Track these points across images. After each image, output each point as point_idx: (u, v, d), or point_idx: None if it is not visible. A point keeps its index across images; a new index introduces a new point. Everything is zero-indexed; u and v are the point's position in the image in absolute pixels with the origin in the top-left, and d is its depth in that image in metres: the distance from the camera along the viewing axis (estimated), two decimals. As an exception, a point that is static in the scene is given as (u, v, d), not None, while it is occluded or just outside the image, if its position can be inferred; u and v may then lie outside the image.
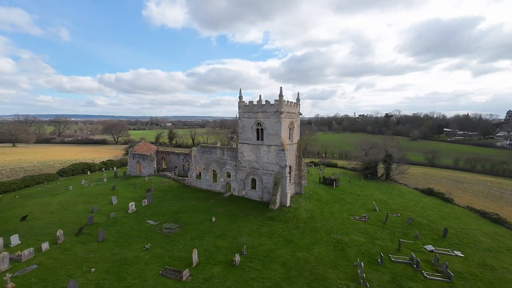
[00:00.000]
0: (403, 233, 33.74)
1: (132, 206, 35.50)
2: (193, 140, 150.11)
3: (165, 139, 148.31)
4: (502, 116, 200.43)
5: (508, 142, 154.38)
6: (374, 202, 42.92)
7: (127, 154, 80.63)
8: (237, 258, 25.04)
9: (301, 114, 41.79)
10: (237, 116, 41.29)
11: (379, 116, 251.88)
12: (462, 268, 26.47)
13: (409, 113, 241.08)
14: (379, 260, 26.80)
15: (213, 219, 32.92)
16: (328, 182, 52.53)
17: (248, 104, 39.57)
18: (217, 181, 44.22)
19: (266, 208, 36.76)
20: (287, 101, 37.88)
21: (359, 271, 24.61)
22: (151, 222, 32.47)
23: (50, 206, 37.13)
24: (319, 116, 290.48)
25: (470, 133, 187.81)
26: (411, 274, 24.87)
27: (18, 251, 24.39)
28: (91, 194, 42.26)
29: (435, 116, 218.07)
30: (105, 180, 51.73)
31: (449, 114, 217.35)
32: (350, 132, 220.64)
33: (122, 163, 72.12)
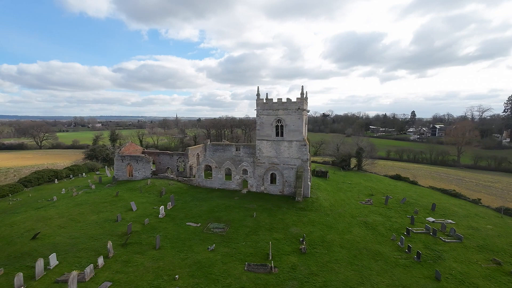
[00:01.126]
0: (404, 210, 40.42)
1: (162, 210, 32.98)
2: (140, 141, 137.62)
3: (105, 141, 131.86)
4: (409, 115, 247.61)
5: (417, 136, 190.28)
6: (370, 188, 49.51)
7: (88, 158, 70.91)
8: (304, 246, 26.73)
9: (308, 111, 45.05)
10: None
11: (316, 115, 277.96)
12: (459, 231, 33.86)
13: (340, 113, 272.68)
14: (405, 233, 32.11)
15: (254, 214, 33.42)
16: (320, 174, 57.51)
17: (267, 101, 40.80)
18: (231, 179, 43.94)
19: (291, 200, 38.86)
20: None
21: (399, 243, 29.27)
22: (192, 224, 31.00)
23: (51, 220, 31.31)
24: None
25: (390, 130, 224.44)
26: (433, 240, 30.68)
27: (77, 270, 20.82)
28: (94, 202, 36.98)
29: (361, 115, 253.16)
30: (93, 187, 45.24)
31: (371, 114, 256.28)
32: None
33: (89, 168, 63.18)
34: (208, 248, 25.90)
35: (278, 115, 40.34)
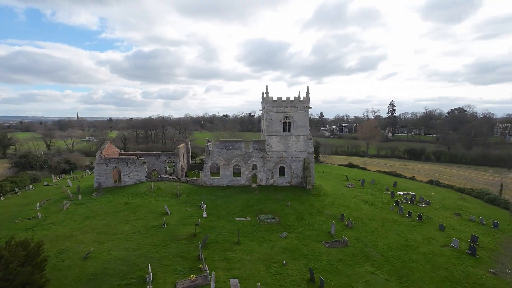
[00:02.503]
0: (378, 189, 50.80)
1: (204, 210, 31.71)
2: (48, 146, 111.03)
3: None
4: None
5: (329, 133, 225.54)
6: (346, 175, 58.92)
7: (18, 167, 56.19)
8: (348, 223, 31.80)
9: (311, 107, 49.85)
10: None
11: (244, 115, 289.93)
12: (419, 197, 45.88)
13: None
14: (394, 204, 41.43)
15: (288, 203, 36.22)
16: (296, 166, 63.83)
17: (276, 99, 43.74)
18: (240, 175, 44.67)
19: (302, 189, 43.20)
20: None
21: (399, 211, 38.00)
22: (242, 219, 31.51)
23: (74, 237, 25.81)
24: (188, 116, 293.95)
25: (310, 128, 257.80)
26: (413, 207, 40.96)
27: (192, 276, 19.42)
28: (106, 213, 31.74)
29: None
30: (79, 197, 37.45)
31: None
32: (221, 130, 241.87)
33: (32, 179, 50.25)
34: (280, 236, 27.60)
35: (287, 112, 43.97)
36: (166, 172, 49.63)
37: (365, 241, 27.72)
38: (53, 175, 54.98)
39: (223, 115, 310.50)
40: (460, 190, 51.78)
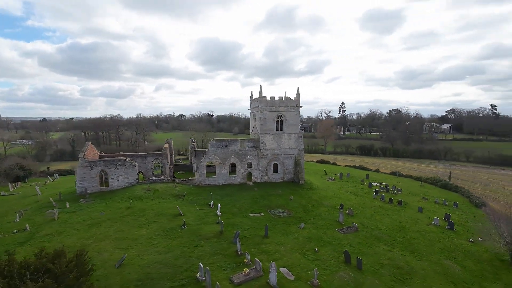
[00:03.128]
0: (355, 181, 56.35)
1: (219, 208, 31.56)
2: None
3: None
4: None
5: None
6: (324, 170, 63.45)
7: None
8: (348, 211, 35.23)
9: (301, 107, 52.19)
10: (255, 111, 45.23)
11: (202, 115, 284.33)
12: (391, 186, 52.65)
13: (222, 113, 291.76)
14: (374, 193, 46.79)
15: (291, 197, 38.19)
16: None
17: (269, 99, 45.29)
18: (236, 173, 45.00)
19: (295, 184, 45.59)
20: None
21: (381, 199, 43.26)
22: (256, 214, 32.52)
23: (89, 247, 23.50)
24: (141, 116, 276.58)
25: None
26: (390, 194, 46.97)
27: (246, 269, 19.85)
28: (112, 219, 29.19)
29: (243, 116, 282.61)
30: (67, 205, 33.27)
31: (248, 115, 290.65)
32: (179, 131, 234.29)
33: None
34: (299, 227, 29.38)
35: (279, 111, 45.91)
36: (153, 174, 47.09)
37: (369, 225, 31.28)
38: (9, 183, 47.25)
39: (179, 115, 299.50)
40: (418, 179, 60.49)
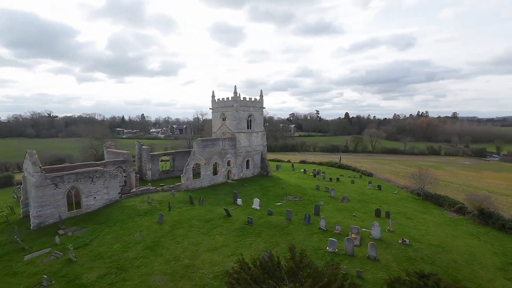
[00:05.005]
0: (284, 170, 67.88)
1: (256, 204, 32.31)
2: None
3: None
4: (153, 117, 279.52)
5: (164, 135, 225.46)
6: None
7: None
8: (327, 188, 45.37)
9: (264, 108, 55.89)
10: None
11: (39, 116, 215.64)
12: (336, 176, 68.43)
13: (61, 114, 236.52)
14: (314, 176, 59.97)
15: (283, 186, 43.45)
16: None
17: (243, 99, 47.69)
18: (218, 172, 44.06)
19: (266, 177, 50.73)
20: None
21: (323, 179, 56.77)
22: (281, 203, 36.03)
23: (206, 257, 19.82)
24: None
25: (134, 130, 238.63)
26: (320, 175, 61.80)
27: (353, 235, 24.61)
28: (163, 235, 23.56)
29: (106, 118, 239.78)
30: (58, 241, 21.99)
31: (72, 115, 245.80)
32: (91, 138, 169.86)
33: None
34: (320, 204, 35.85)
35: (250, 111, 49.30)
36: (125, 183, 37.60)
37: (349, 195, 42.36)
38: None
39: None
40: (321, 164, 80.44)
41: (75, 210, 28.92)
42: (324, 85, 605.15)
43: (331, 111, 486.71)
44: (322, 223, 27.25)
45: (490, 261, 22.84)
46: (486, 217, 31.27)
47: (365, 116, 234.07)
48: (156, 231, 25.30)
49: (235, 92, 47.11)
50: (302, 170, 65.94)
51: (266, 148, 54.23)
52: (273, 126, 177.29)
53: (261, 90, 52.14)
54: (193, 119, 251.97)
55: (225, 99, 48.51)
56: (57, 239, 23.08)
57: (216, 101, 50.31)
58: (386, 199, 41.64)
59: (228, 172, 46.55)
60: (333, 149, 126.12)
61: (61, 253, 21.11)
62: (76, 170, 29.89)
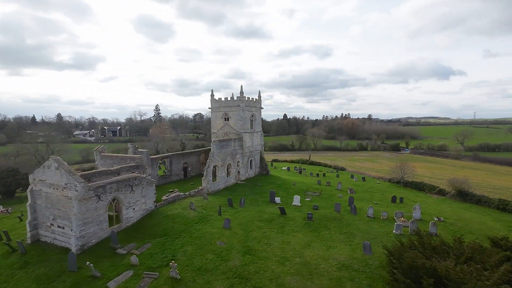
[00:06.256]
0: (300, 170, 69.95)
1: (296, 200, 33.24)
2: None
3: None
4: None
5: (94, 138, 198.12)
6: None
7: None
8: (328, 182, 49.52)
9: (262, 108, 55.35)
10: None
11: None
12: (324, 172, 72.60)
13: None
14: (299, 172, 63.90)
15: (294, 183, 45.31)
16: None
17: (247, 99, 47.38)
18: (229, 174, 42.66)
19: (266, 175, 51.65)
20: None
21: (310, 174, 61.22)
22: (310, 196, 37.42)
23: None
24: None
25: (53, 133, 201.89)
26: (305, 172, 66.31)
27: (403, 218, 28.48)
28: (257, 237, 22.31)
29: (8, 118, 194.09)
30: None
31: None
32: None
33: None
34: (340, 197, 39.22)
35: (252, 111, 49.32)
36: None
37: (352, 187, 47.28)
38: None
39: None
40: (293, 162, 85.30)
41: (116, 226, 24.36)
42: (255, 88, 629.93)
43: (263, 113, 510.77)
44: (370, 212, 30.48)
45: (495, 224, 30.11)
46: (464, 195, 40.20)
47: (300, 118, 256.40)
48: (233, 236, 23.80)
49: (241, 92, 46.53)
50: (285, 168, 68.99)
51: (264, 148, 55.07)
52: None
53: (259, 91, 52.95)
54: (126, 120, 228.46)
55: (229, 99, 47.35)
56: (134, 258, 19.33)
57: (217, 100, 48.52)
58: (378, 188, 48.25)
59: (238, 172, 45.67)
60: (282, 148, 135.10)
61: (157, 273, 18.04)
62: (115, 178, 25.09)
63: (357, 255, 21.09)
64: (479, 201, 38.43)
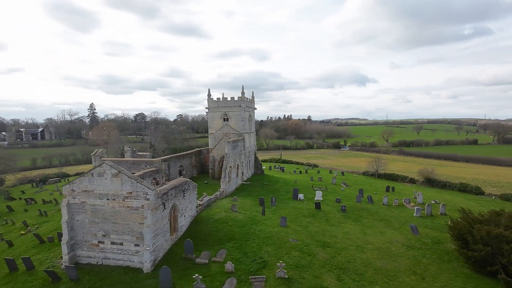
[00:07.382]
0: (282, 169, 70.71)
1: (319, 195, 35.22)
2: None
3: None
4: None
5: (7, 143, 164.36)
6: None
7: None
8: (320, 178, 53.43)
9: (255, 108, 54.80)
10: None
11: None
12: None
13: None
14: (306, 171, 66.71)
15: (296, 181, 47.46)
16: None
17: (247, 99, 47.35)
18: (237, 174, 42.07)
19: (263, 175, 52.51)
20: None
21: (299, 172, 64.71)
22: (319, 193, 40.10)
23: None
24: None
25: None
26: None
27: (414, 203, 33.54)
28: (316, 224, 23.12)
29: None
30: None
31: None
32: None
33: None
34: (342, 189, 43.14)
35: (249, 112, 49.49)
36: None
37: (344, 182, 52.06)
38: None
39: None
40: (266, 161, 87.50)
41: (173, 235, 22.08)
42: (194, 87, 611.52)
43: (203, 113, 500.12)
44: (385, 200, 34.87)
45: (468, 202, 38.08)
46: (431, 182, 49.06)
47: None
48: (296, 233, 24.32)
49: (243, 92, 46.35)
50: (268, 167, 70.73)
51: (256, 148, 55.68)
52: (165, 128, 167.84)
53: (253, 92, 53.16)
54: (45, 120, 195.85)
55: (229, 99, 46.55)
56: (230, 265, 18.12)
57: (216, 100, 47.11)
58: (362, 181, 54.46)
59: (242, 173, 45.36)
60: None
61: (263, 276, 17.53)
62: (171, 184, 22.53)
63: (410, 236, 24.44)
64: (444, 185, 47.62)
